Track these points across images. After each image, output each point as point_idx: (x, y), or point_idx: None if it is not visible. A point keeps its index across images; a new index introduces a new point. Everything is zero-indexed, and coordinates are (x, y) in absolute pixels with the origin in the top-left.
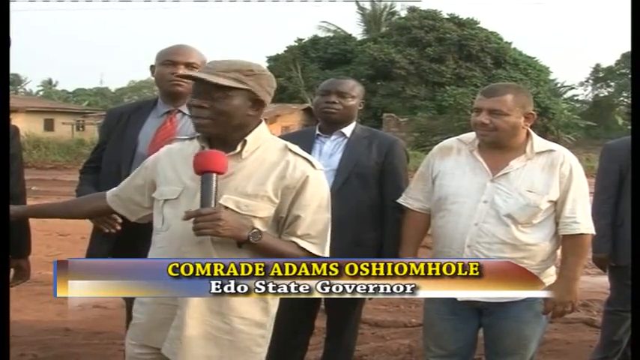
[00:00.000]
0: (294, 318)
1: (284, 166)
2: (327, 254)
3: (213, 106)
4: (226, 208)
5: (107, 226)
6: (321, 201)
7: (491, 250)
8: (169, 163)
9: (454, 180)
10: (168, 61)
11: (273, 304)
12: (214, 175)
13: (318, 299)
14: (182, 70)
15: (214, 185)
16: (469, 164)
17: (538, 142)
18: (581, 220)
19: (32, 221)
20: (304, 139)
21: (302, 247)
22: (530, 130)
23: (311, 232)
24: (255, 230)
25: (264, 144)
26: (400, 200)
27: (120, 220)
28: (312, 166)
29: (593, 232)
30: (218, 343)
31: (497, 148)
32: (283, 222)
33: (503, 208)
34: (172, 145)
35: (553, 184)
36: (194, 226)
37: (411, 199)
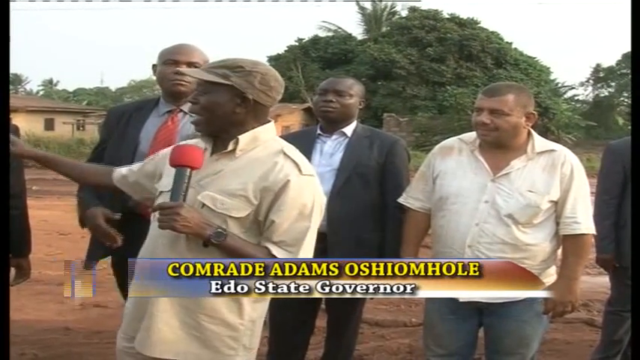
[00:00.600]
0: (294, 317)
1: (270, 167)
2: None
3: (199, 102)
4: (203, 205)
5: (109, 240)
6: (302, 208)
7: (492, 250)
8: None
9: (455, 180)
10: (171, 60)
11: (253, 307)
12: (188, 169)
13: (319, 299)
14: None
15: (185, 180)
16: (470, 164)
17: (539, 142)
18: (582, 220)
19: (32, 221)
20: (305, 139)
21: (272, 254)
22: (532, 130)
23: (287, 240)
24: (219, 230)
25: (263, 144)
26: (401, 200)
27: (121, 237)
28: (299, 170)
29: (594, 232)
30: (186, 338)
31: (499, 148)
32: (262, 225)
33: (504, 208)
34: (187, 141)
35: (554, 184)
36: (157, 219)
37: (411, 198)
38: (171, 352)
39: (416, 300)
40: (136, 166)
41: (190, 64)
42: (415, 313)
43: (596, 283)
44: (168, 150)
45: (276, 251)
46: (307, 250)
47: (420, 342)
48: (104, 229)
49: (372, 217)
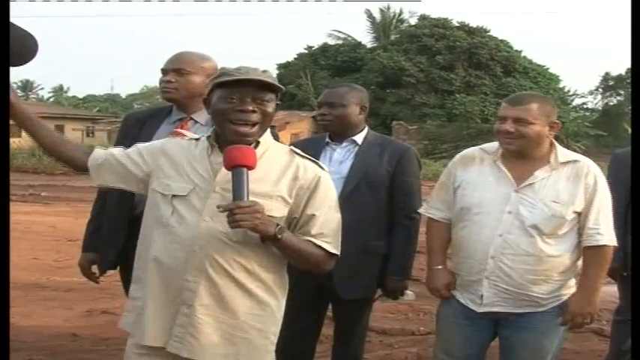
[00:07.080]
0: (301, 325)
1: (295, 168)
2: (339, 252)
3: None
4: None
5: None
6: (331, 201)
7: (515, 261)
8: (172, 159)
9: (477, 190)
10: (162, 69)
11: (283, 303)
12: (245, 169)
13: (326, 306)
14: (171, 76)
15: (245, 180)
16: (493, 174)
17: (562, 153)
18: (604, 231)
19: (41, 227)
20: (314, 146)
21: (318, 246)
22: (554, 141)
23: (324, 231)
24: (279, 226)
25: (271, 147)
26: (422, 210)
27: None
28: (321, 167)
29: (616, 244)
30: (234, 341)
31: (521, 157)
32: (296, 222)
33: (529, 218)
34: (174, 140)
35: (578, 194)
36: (231, 218)
37: (433, 209)
38: (221, 356)
39: (424, 309)
40: (119, 152)
41: (176, 71)
42: (423, 322)
43: (605, 292)
44: (151, 149)
45: (319, 242)
46: (340, 240)
47: (428, 351)
48: (87, 274)
49: (379, 225)
